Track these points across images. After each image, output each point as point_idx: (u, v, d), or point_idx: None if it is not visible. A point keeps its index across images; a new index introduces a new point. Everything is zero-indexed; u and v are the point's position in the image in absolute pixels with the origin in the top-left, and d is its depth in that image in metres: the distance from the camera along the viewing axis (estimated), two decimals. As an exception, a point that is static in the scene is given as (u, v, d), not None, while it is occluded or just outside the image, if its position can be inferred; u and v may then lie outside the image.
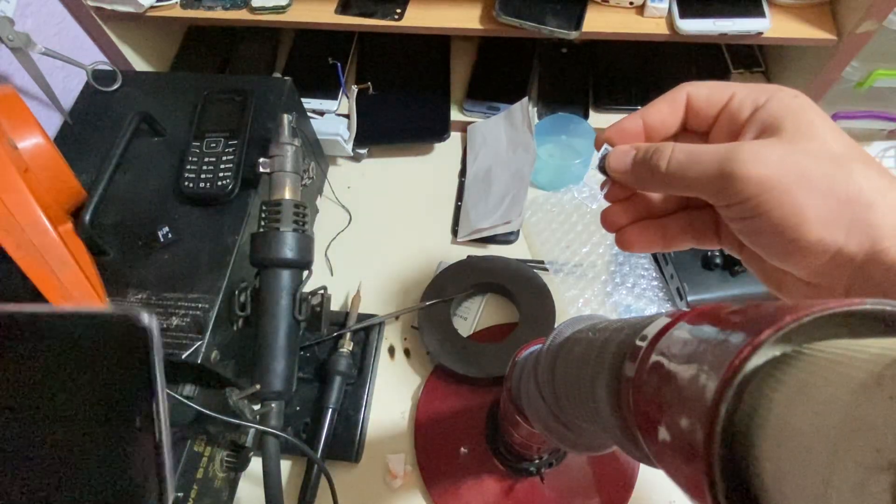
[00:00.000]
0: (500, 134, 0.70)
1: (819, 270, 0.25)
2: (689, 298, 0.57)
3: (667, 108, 0.31)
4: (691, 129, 0.31)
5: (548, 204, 0.68)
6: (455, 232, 0.68)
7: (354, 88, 0.70)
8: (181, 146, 0.57)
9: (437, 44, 0.77)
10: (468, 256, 0.64)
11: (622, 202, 0.32)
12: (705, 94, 0.30)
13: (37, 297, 0.44)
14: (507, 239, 0.67)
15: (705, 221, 0.30)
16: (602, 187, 0.32)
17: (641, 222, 0.31)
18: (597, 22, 0.59)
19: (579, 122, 0.68)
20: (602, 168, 0.30)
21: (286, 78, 0.61)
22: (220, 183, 0.54)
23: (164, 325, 0.48)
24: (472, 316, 0.63)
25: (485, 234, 0.65)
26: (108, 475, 0.21)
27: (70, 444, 0.20)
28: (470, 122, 0.74)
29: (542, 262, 0.65)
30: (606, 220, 0.32)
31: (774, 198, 0.24)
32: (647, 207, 0.32)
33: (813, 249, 0.24)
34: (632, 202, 0.32)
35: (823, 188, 0.24)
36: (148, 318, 0.20)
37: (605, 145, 0.31)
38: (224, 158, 0.55)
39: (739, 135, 0.28)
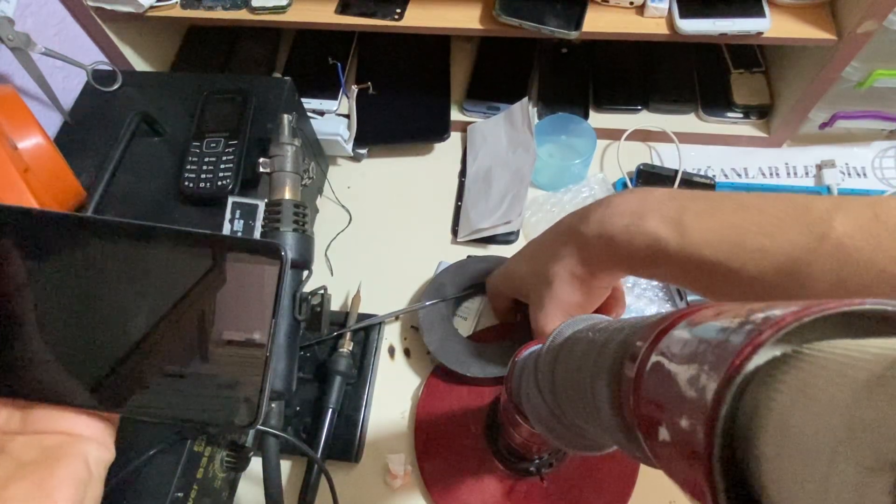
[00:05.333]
0: (500, 134, 0.70)
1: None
2: (690, 298, 0.57)
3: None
4: None
5: (548, 204, 0.68)
6: (455, 232, 0.68)
7: (354, 88, 0.70)
8: (181, 146, 0.57)
9: (437, 44, 0.77)
10: (468, 256, 0.64)
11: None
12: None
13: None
14: (507, 239, 0.67)
15: None
16: None
17: None
18: (597, 22, 0.59)
19: (579, 122, 0.68)
20: None
21: (286, 78, 0.61)
22: (220, 183, 0.54)
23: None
24: (472, 316, 0.63)
25: (485, 233, 0.65)
26: (218, 378, 0.24)
27: (193, 343, 0.24)
28: (470, 122, 0.73)
29: (542, 262, 0.64)
30: None
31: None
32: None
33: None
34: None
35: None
36: (285, 251, 0.24)
37: None
38: (224, 158, 0.55)
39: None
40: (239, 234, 0.48)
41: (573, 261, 0.44)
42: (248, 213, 0.50)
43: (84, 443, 0.24)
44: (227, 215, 0.47)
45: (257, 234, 0.36)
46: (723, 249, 0.35)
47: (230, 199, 0.48)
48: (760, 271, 0.33)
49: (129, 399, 0.24)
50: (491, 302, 0.59)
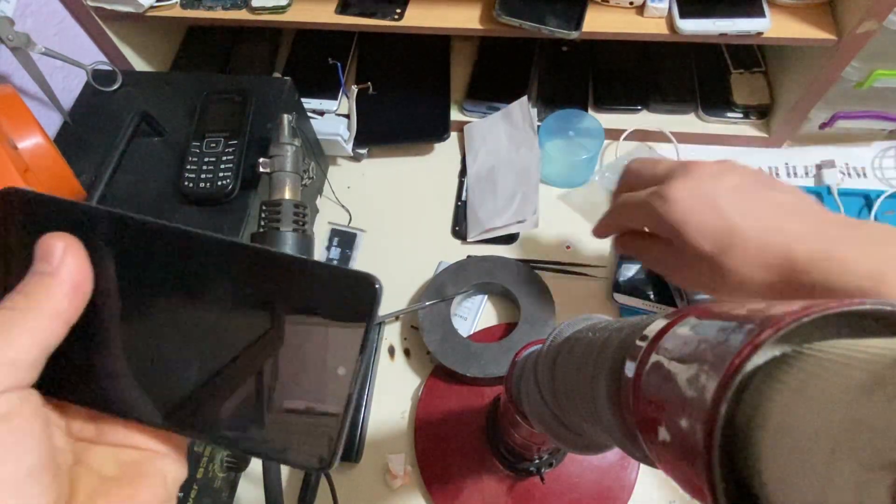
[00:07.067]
0: (500, 133, 0.70)
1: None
2: (690, 298, 0.57)
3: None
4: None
5: (549, 204, 0.68)
6: (455, 232, 0.68)
7: (354, 88, 0.70)
8: (181, 146, 0.57)
9: (437, 44, 0.77)
10: (468, 256, 0.64)
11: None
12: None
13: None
14: (507, 239, 0.67)
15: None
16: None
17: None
18: (597, 22, 0.59)
19: (584, 116, 0.68)
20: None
21: (286, 78, 0.61)
22: (220, 183, 0.54)
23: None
24: (472, 316, 0.63)
25: (498, 232, 0.65)
26: (297, 417, 0.22)
27: (276, 379, 0.22)
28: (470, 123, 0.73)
29: (543, 262, 0.65)
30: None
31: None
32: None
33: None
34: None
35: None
36: (380, 284, 0.23)
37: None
38: (224, 158, 0.55)
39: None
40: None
41: (759, 284, 0.37)
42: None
43: (162, 460, 0.23)
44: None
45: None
46: None
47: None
48: None
49: (204, 424, 0.23)
50: (620, 215, 0.46)
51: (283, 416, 0.23)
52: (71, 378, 0.22)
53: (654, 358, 0.19)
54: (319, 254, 0.67)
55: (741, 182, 0.39)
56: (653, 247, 0.45)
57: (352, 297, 0.22)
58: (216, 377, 0.23)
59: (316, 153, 0.68)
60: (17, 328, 0.20)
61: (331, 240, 0.46)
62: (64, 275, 0.21)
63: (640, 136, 0.71)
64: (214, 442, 0.23)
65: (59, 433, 0.22)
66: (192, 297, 0.23)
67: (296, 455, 0.23)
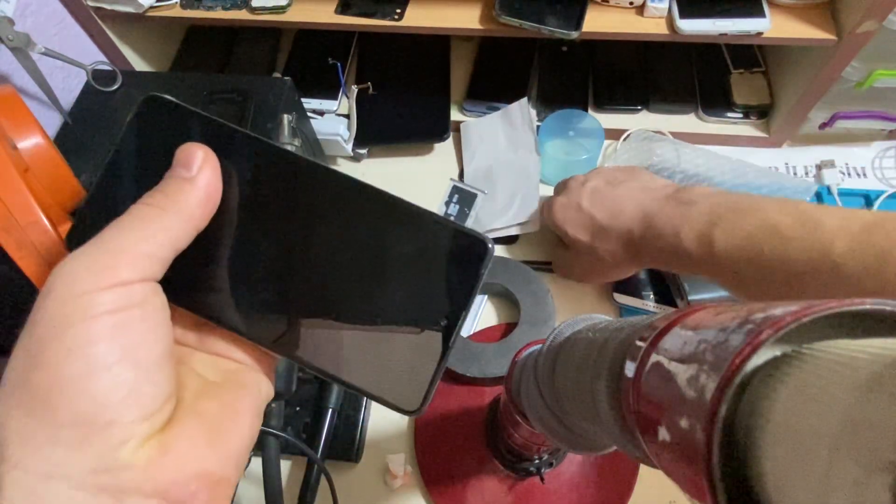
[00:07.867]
0: (498, 133, 0.70)
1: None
2: (690, 298, 0.57)
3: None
4: None
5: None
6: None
7: (354, 88, 0.70)
8: (181, 146, 0.57)
9: (437, 44, 0.77)
10: (468, 256, 0.64)
11: None
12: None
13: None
14: (507, 239, 0.66)
15: None
16: None
17: None
18: (597, 22, 0.59)
19: (584, 116, 0.68)
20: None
21: (286, 78, 0.61)
22: (220, 183, 0.54)
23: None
24: (472, 316, 0.63)
25: (497, 234, 0.65)
26: (395, 358, 0.23)
27: (379, 318, 0.23)
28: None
29: (543, 262, 0.65)
30: None
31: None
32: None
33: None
34: None
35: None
36: (492, 244, 0.23)
37: None
38: (224, 158, 0.55)
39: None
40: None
41: (623, 254, 0.51)
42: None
43: (258, 374, 0.24)
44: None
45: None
46: (742, 263, 0.40)
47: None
48: (770, 282, 0.39)
49: (308, 350, 0.24)
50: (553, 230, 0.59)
51: (381, 356, 0.24)
52: (186, 285, 0.23)
53: (654, 358, 0.19)
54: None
55: (597, 185, 0.53)
56: (564, 253, 0.59)
57: (466, 254, 0.23)
58: (322, 308, 0.24)
59: (316, 153, 0.68)
60: (155, 224, 0.21)
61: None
62: (201, 182, 0.22)
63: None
64: (313, 369, 0.24)
65: None
66: (309, 227, 0.24)
67: (389, 395, 0.23)
